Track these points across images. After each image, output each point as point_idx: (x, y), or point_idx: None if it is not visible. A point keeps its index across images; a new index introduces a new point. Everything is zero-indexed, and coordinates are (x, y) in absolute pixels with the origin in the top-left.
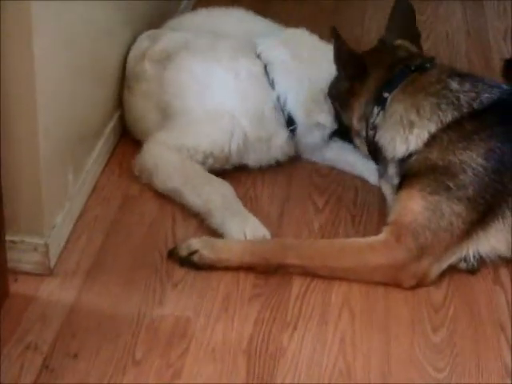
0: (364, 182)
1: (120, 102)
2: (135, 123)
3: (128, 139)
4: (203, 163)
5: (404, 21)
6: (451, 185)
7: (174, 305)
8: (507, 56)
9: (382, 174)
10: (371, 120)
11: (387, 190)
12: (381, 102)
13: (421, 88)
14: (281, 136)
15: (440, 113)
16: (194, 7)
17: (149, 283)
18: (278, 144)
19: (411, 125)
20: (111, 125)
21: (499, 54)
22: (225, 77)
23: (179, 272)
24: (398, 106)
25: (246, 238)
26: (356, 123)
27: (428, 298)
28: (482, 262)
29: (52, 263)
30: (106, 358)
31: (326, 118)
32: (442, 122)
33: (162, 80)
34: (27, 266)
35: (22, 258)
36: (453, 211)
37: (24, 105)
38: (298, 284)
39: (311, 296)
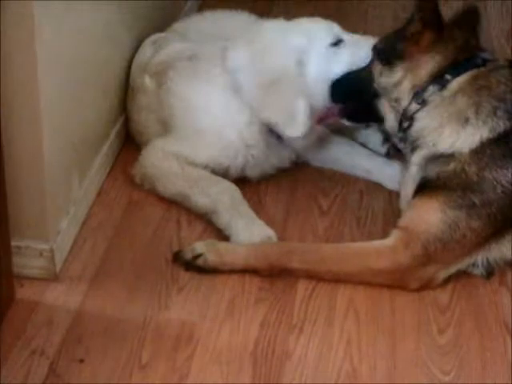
0: (369, 184)
1: (124, 107)
2: (138, 133)
3: (132, 144)
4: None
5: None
6: (477, 201)
7: (179, 309)
8: (509, 57)
9: (404, 166)
10: (422, 95)
11: (407, 184)
12: (440, 82)
13: (487, 86)
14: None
15: (495, 119)
16: (199, 9)
17: (154, 287)
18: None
19: (466, 121)
20: (115, 130)
21: (502, 55)
22: (209, 95)
23: (184, 276)
24: (459, 96)
25: (252, 239)
26: (400, 86)
27: (434, 299)
28: (489, 267)
29: (57, 268)
30: (112, 362)
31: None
32: (494, 129)
33: (158, 96)
34: (33, 271)
35: (28, 263)
36: (469, 226)
37: (28, 110)
38: (303, 287)
39: (317, 299)
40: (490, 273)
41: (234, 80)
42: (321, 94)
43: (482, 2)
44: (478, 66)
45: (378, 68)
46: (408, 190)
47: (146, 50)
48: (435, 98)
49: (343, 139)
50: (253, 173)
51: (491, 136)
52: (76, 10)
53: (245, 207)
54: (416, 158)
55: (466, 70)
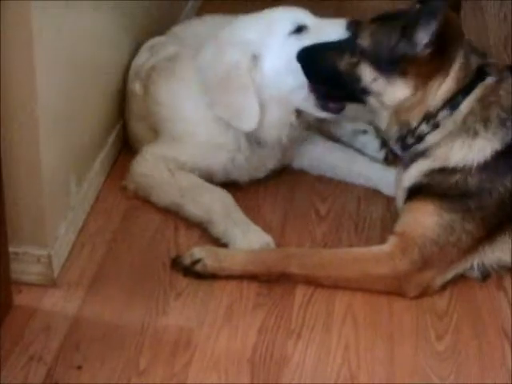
0: (366, 189)
1: (122, 113)
2: (134, 140)
3: (130, 150)
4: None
5: None
6: (472, 206)
7: (177, 315)
8: (508, 62)
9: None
10: (435, 119)
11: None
12: (452, 105)
13: (496, 100)
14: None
15: (504, 130)
16: (198, 12)
17: (152, 293)
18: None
19: (475, 134)
20: (113, 135)
21: (499, 55)
22: (183, 96)
23: (182, 282)
24: (470, 116)
25: (250, 246)
26: (409, 110)
27: (432, 305)
28: (485, 271)
29: (55, 274)
30: (110, 368)
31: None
32: (503, 141)
33: (145, 102)
34: (30, 277)
35: (26, 269)
36: (464, 229)
37: (25, 115)
38: (301, 292)
39: (315, 304)
40: (485, 276)
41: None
42: (287, 84)
43: (479, 10)
44: (484, 79)
45: (366, 70)
46: (401, 193)
47: (142, 55)
48: (447, 121)
49: (339, 146)
50: (241, 176)
51: (499, 148)
52: (75, 13)
53: (239, 214)
54: (417, 167)
55: (474, 86)
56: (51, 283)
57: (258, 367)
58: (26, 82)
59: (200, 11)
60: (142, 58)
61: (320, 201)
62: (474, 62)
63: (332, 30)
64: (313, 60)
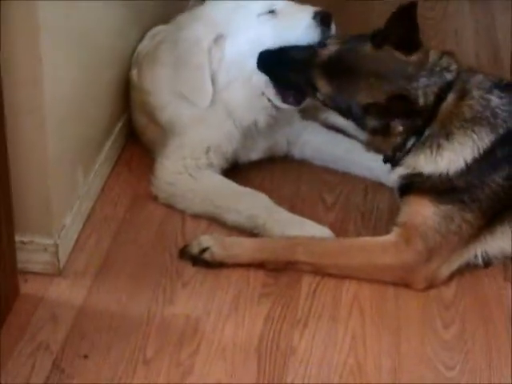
0: (373, 179)
1: (128, 102)
2: (138, 132)
3: (136, 139)
4: (210, 165)
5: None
6: (466, 199)
7: (184, 304)
8: None
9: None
10: (404, 147)
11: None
12: (417, 133)
13: (458, 114)
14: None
15: (475, 139)
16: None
17: (159, 283)
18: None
19: (438, 147)
20: (119, 125)
21: (507, 52)
22: (164, 79)
23: (189, 271)
24: (434, 135)
25: None
26: (380, 144)
27: (438, 295)
28: (489, 260)
29: (61, 263)
30: (116, 357)
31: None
32: (478, 149)
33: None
34: (37, 266)
35: (32, 258)
36: (463, 218)
37: (32, 105)
38: (307, 282)
39: (321, 294)
40: (487, 264)
41: None
42: (249, 66)
43: (487, 7)
44: (445, 97)
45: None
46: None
47: (144, 43)
48: (415, 146)
49: (342, 137)
50: (247, 154)
51: (477, 155)
52: (82, 2)
53: (283, 212)
54: (396, 172)
55: (435, 114)
56: (57, 272)
57: (265, 357)
58: (33, 72)
59: None
60: (142, 46)
61: (327, 191)
62: (434, 88)
63: (298, 18)
64: (273, 70)
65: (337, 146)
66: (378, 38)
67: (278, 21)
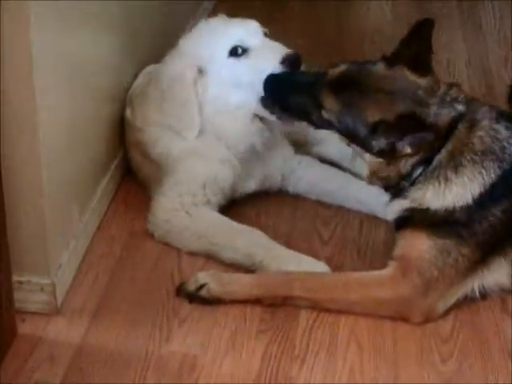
0: (368, 212)
1: (124, 139)
2: (134, 169)
3: (132, 176)
4: (208, 202)
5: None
6: (464, 233)
7: (181, 341)
8: (508, 82)
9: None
10: (411, 177)
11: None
12: (424, 164)
13: (468, 146)
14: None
15: (484, 173)
16: None
17: (155, 320)
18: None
19: (446, 181)
20: (115, 162)
21: (500, 81)
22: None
23: (186, 308)
24: (442, 166)
25: None
26: (387, 174)
27: (436, 328)
28: (486, 293)
29: (59, 302)
30: None
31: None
32: (485, 183)
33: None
34: (34, 305)
35: (29, 298)
36: (459, 252)
37: (27, 144)
38: (304, 318)
39: (318, 329)
40: (484, 296)
41: None
42: (233, 100)
43: (479, 30)
44: (456, 127)
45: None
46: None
47: (138, 82)
48: (422, 175)
49: (335, 171)
50: (241, 186)
51: (483, 191)
52: (75, 37)
53: (280, 249)
54: (398, 204)
55: (445, 143)
56: (55, 312)
57: None
58: (28, 110)
59: None
60: (135, 84)
61: (322, 225)
62: (445, 118)
63: (266, 62)
64: (280, 95)
65: (331, 181)
66: (391, 57)
67: (250, 61)
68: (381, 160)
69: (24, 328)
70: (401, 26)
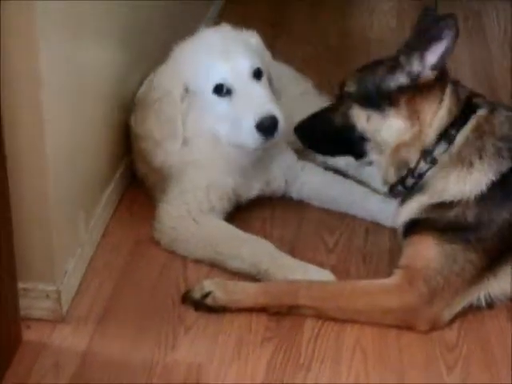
0: (372, 220)
1: (129, 148)
2: (142, 177)
3: (137, 184)
4: (213, 208)
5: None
6: (472, 238)
7: (186, 350)
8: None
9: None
10: (432, 154)
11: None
12: (447, 139)
13: (490, 130)
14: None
15: (500, 160)
16: None
17: (161, 328)
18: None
19: (470, 166)
20: (120, 170)
21: (505, 90)
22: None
23: (191, 317)
24: (465, 149)
25: None
26: (406, 146)
27: (441, 337)
28: (493, 302)
29: (64, 310)
30: None
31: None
32: (498, 171)
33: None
34: (39, 312)
35: (34, 304)
36: (466, 259)
37: (33, 152)
38: (310, 326)
39: (323, 338)
40: (490, 305)
41: None
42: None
43: (483, 40)
44: (475, 110)
45: (359, 113)
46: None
47: (142, 90)
48: (445, 156)
49: (339, 178)
50: (244, 190)
51: (495, 179)
52: (83, 46)
53: (286, 258)
54: (414, 203)
55: (467, 119)
56: (60, 319)
57: None
58: (34, 120)
59: None
60: (140, 93)
61: (328, 233)
62: (462, 93)
63: (245, 119)
64: (311, 129)
65: (334, 187)
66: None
67: (231, 106)
68: (403, 125)
69: (29, 335)
70: (404, 32)
